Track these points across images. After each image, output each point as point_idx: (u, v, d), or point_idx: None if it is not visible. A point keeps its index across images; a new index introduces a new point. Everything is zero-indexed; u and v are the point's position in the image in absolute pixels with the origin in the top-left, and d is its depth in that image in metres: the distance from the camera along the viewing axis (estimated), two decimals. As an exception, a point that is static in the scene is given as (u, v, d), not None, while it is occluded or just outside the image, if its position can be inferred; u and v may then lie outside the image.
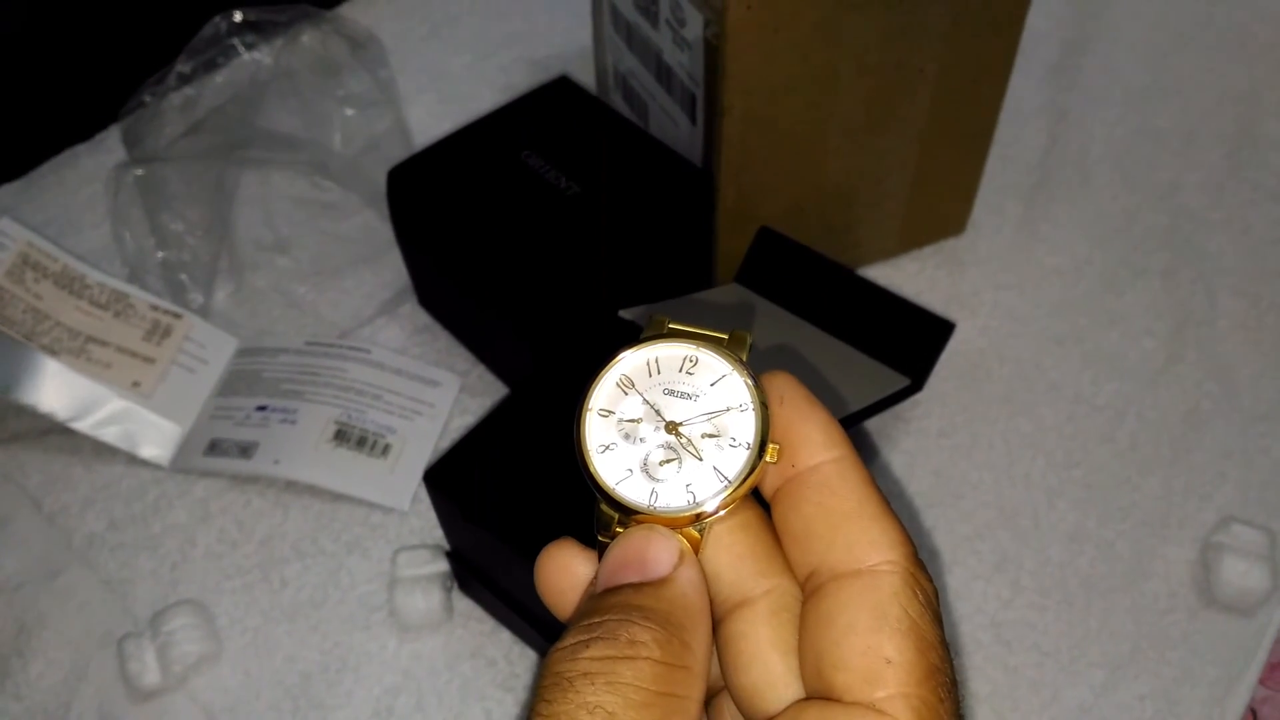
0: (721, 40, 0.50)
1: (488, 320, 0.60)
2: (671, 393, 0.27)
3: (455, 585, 0.54)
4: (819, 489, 0.26)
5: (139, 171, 0.63)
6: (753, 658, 0.25)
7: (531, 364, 0.57)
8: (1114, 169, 0.72)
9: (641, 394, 0.27)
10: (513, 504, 0.48)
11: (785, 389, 0.27)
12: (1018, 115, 0.69)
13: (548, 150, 0.58)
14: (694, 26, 0.52)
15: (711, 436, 0.26)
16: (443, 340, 0.64)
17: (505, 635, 0.53)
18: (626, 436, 0.27)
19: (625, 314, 0.53)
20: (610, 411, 0.27)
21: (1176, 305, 0.65)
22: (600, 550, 0.26)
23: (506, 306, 0.58)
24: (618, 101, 0.66)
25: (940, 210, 0.66)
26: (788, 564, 0.26)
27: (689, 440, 0.26)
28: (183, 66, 0.67)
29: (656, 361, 0.27)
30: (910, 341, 0.54)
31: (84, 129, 0.73)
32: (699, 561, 0.26)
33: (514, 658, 0.53)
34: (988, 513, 0.57)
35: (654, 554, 0.25)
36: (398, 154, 0.62)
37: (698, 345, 0.27)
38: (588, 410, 0.27)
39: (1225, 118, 0.74)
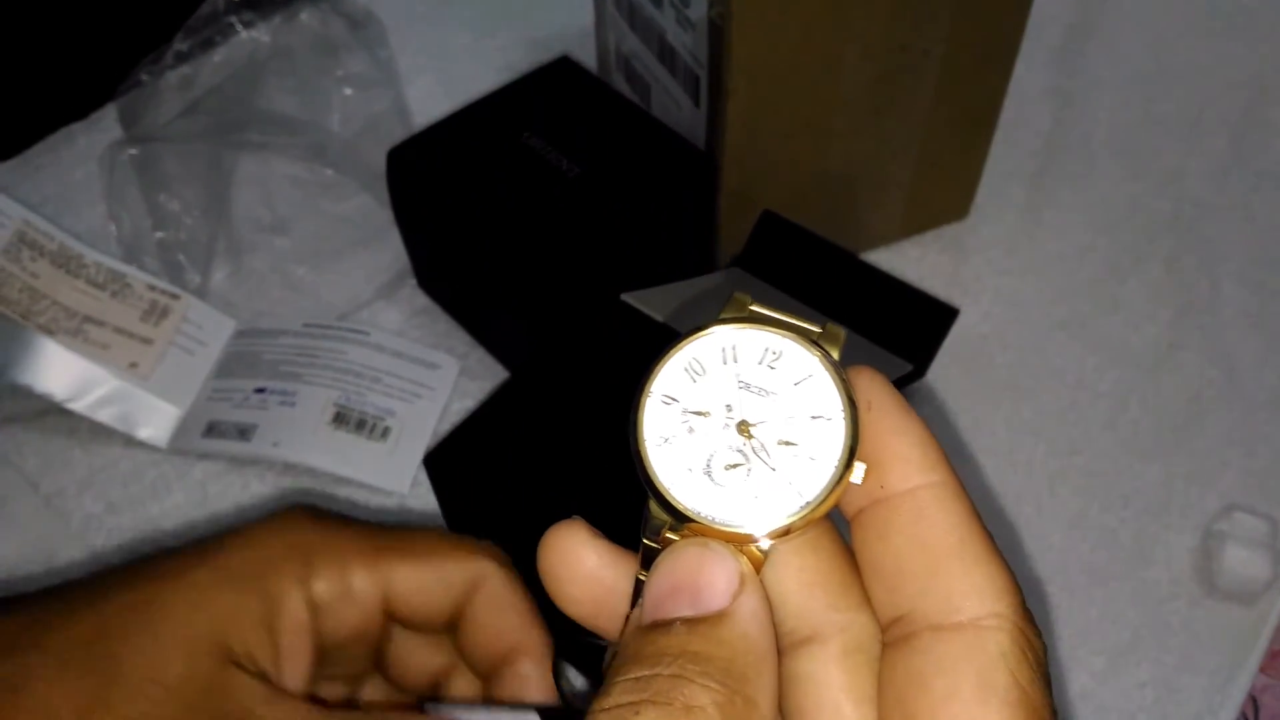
0: (726, 21, 0.50)
1: (487, 303, 0.60)
2: (747, 387, 0.24)
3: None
4: (914, 519, 0.22)
5: (135, 150, 0.62)
6: (821, 703, 0.22)
7: (531, 347, 0.57)
8: (1118, 155, 0.71)
9: (713, 384, 0.24)
10: (513, 488, 0.48)
11: (874, 392, 0.23)
12: (1022, 100, 0.68)
13: (548, 131, 0.58)
14: (698, 6, 0.52)
15: (788, 445, 0.23)
16: (442, 323, 0.63)
17: (505, 619, 0.53)
18: (690, 430, 0.23)
19: (626, 297, 0.53)
20: (674, 399, 0.24)
21: (1179, 292, 0.65)
22: (643, 555, 0.23)
23: (506, 289, 0.57)
24: (619, 82, 0.66)
25: (944, 195, 0.65)
26: (865, 596, 0.23)
27: (762, 445, 0.23)
28: (180, 45, 0.66)
29: (734, 349, 0.24)
30: (913, 327, 0.54)
31: (80, 107, 0.73)
32: (762, 586, 0.22)
33: (513, 642, 0.53)
34: (989, 499, 0.57)
35: (709, 578, 0.22)
36: (397, 134, 0.62)
37: (784, 335, 0.24)
38: (648, 394, 0.24)
39: (1230, 104, 0.74)
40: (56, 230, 0.62)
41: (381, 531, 0.34)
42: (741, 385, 0.24)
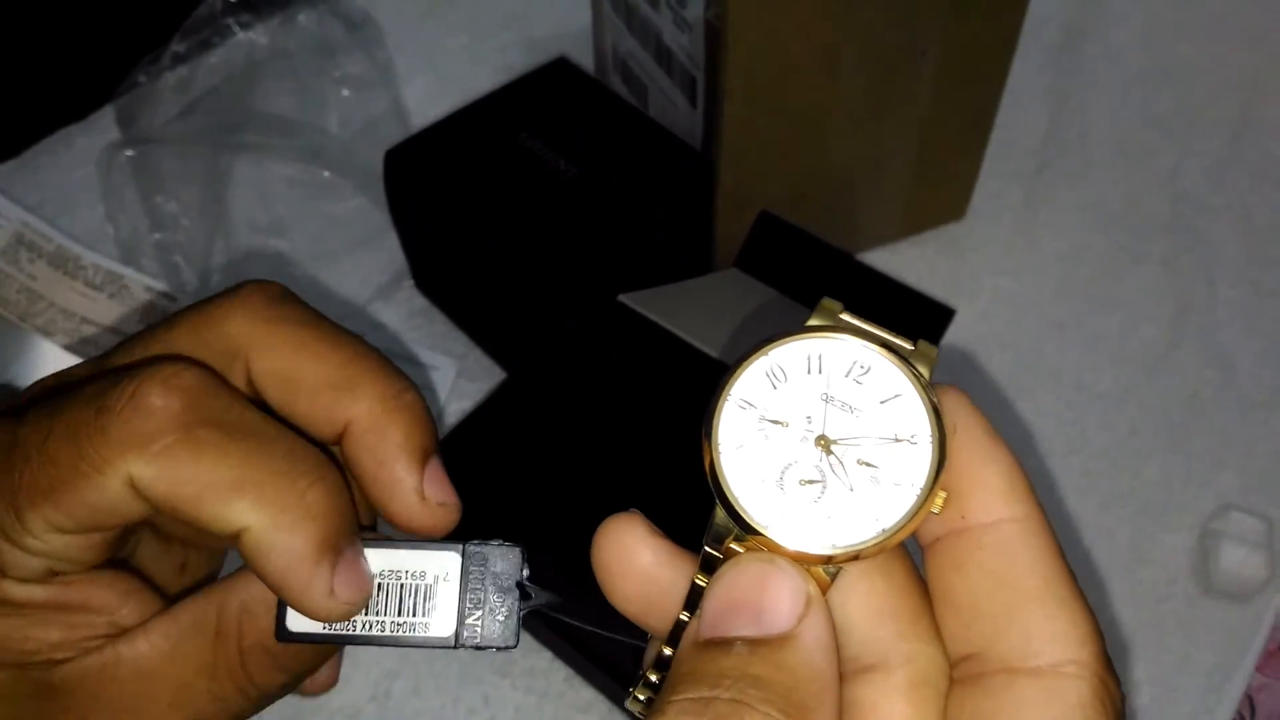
0: (723, 21, 0.50)
1: (485, 304, 0.60)
2: (831, 400, 0.22)
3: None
4: (995, 554, 0.21)
5: (132, 152, 0.63)
6: None
7: (529, 348, 0.57)
8: (1115, 154, 0.71)
9: (794, 393, 0.22)
10: (511, 490, 0.48)
11: (961, 416, 0.22)
12: (1019, 100, 0.68)
13: (546, 132, 0.58)
14: (695, 7, 0.52)
15: (868, 466, 0.22)
16: (439, 324, 0.63)
17: (503, 620, 0.53)
18: (766, 439, 0.22)
19: (624, 298, 0.53)
20: (751, 405, 0.22)
21: (1177, 291, 0.65)
22: (704, 560, 0.22)
23: (504, 290, 0.57)
24: (617, 83, 0.66)
25: (941, 195, 0.66)
26: (935, 627, 0.22)
27: (840, 463, 0.22)
28: (177, 46, 0.66)
29: (820, 358, 0.23)
30: (910, 327, 0.53)
31: (78, 109, 0.73)
32: (829, 610, 0.21)
33: (511, 642, 0.53)
34: (986, 499, 0.57)
35: (773, 598, 0.21)
36: (394, 136, 0.62)
37: (874, 349, 0.23)
38: (726, 397, 0.22)
39: (1226, 103, 0.74)
40: (54, 231, 0.62)
41: (13, 472, 0.27)
42: (825, 397, 0.22)
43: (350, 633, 0.29)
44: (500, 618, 0.29)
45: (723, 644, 0.21)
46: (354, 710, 0.51)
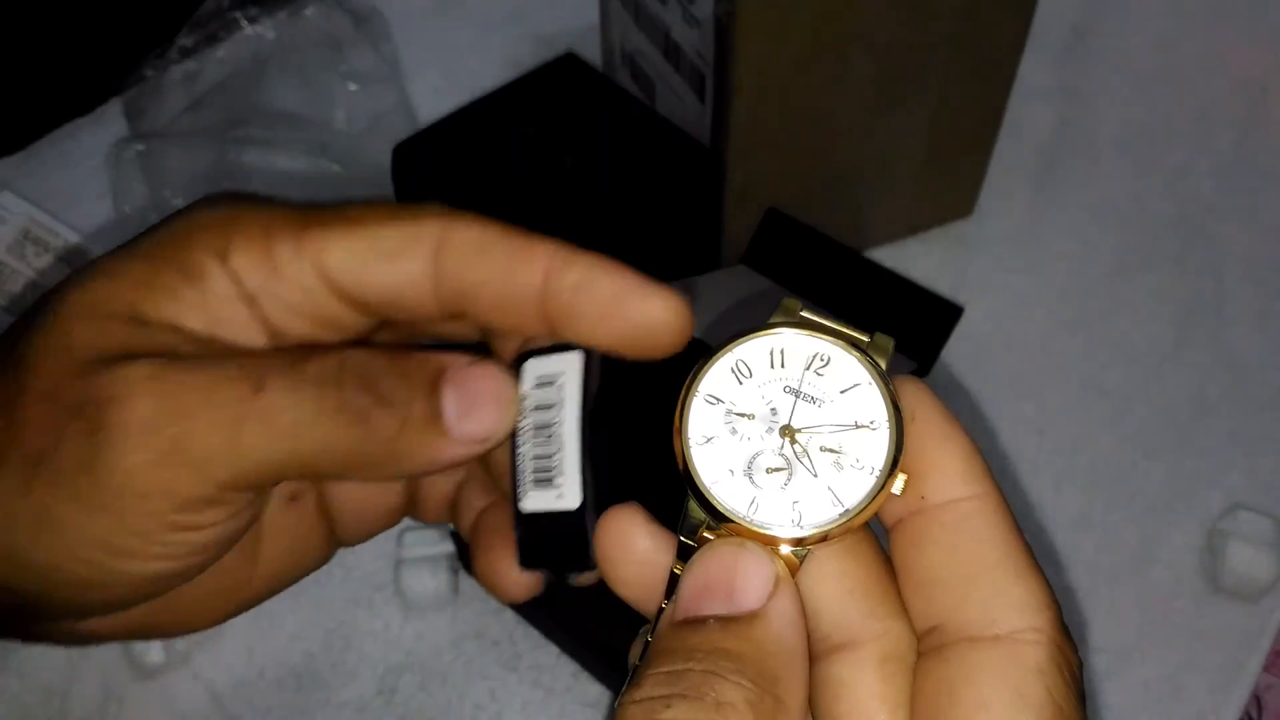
0: (733, 18, 0.50)
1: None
2: (793, 392, 0.24)
3: (462, 566, 0.54)
4: (953, 531, 0.22)
5: (140, 147, 0.63)
6: (855, 709, 0.22)
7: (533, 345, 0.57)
8: (1123, 153, 0.71)
9: (759, 387, 0.24)
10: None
11: (919, 402, 0.23)
12: (1027, 98, 0.68)
13: (553, 128, 0.58)
14: (704, 4, 0.52)
15: (831, 451, 0.23)
16: (446, 319, 0.63)
17: (509, 615, 0.53)
18: (733, 431, 0.24)
19: (632, 294, 0.53)
20: (719, 399, 0.24)
21: (1185, 291, 0.65)
22: (680, 550, 0.24)
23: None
24: (625, 80, 0.66)
25: (949, 193, 0.65)
26: (902, 604, 0.23)
27: (804, 451, 0.23)
28: (185, 40, 0.66)
29: (782, 353, 0.24)
30: (917, 325, 0.54)
31: (85, 103, 0.73)
32: (797, 590, 0.22)
33: (517, 638, 0.53)
34: (993, 497, 0.57)
35: (744, 579, 0.22)
36: (401, 131, 0.61)
37: (833, 342, 0.24)
38: (694, 393, 0.24)
39: (1236, 102, 0.74)
40: (62, 226, 0.62)
41: (311, 207, 0.29)
42: (788, 390, 0.24)
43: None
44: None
45: (697, 623, 0.22)
46: (361, 704, 0.51)
